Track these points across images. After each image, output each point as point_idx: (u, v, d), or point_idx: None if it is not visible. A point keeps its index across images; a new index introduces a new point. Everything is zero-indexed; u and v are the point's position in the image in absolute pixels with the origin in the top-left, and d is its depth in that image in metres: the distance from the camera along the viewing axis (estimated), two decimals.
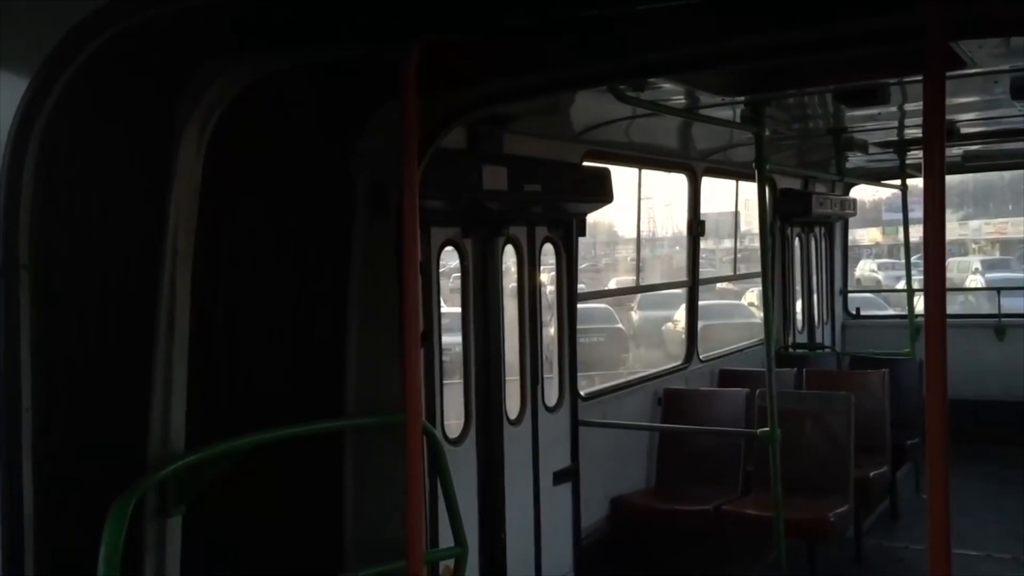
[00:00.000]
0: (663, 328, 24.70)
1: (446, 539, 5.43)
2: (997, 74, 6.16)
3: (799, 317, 12.89)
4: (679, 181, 9.94)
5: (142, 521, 3.84)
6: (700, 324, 10.97)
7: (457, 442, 6.50)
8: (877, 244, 49.75)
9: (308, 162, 4.97)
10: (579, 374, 8.02)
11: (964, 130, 9.11)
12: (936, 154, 3.00)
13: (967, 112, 8.17)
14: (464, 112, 4.88)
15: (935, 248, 2.95)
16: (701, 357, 10.37)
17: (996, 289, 16.25)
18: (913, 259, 12.44)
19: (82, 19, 3.28)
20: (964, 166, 11.84)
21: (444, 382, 6.42)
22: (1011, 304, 16.00)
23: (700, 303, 10.53)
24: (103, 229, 3.82)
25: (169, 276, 3.87)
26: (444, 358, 6.57)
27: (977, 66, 5.53)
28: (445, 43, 4.18)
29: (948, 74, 5.42)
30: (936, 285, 2.91)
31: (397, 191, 4.05)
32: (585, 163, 7.82)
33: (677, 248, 10.37)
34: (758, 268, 8.22)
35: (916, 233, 11.70)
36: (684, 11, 3.82)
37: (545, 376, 7.54)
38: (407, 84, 3.86)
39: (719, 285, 24.50)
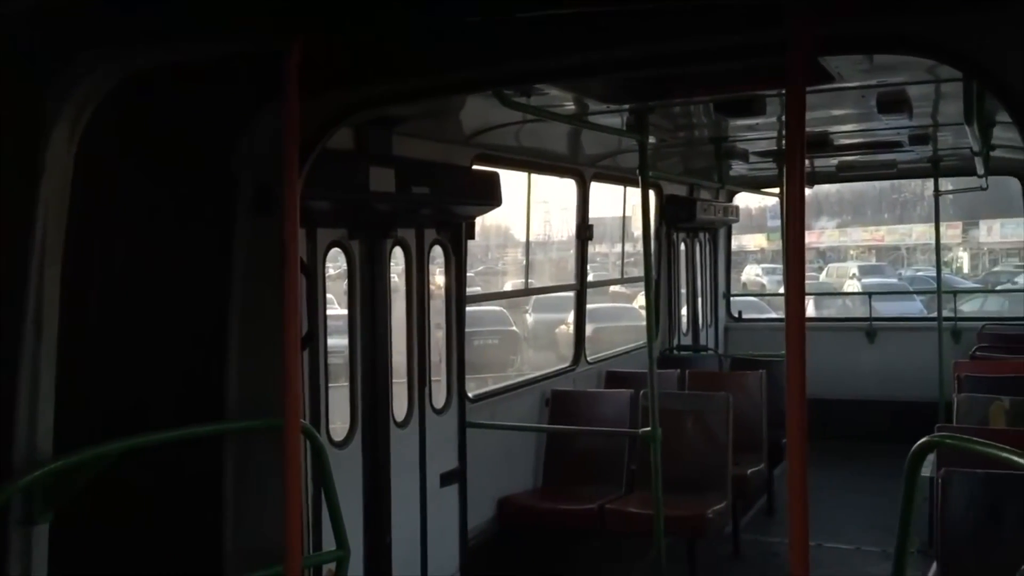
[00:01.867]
0: (556, 331, 25.00)
1: (331, 542, 5.39)
2: (865, 89, 6.42)
3: (684, 320, 13.22)
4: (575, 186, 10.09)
5: (6, 528, 3.71)
6: (591, 327, 11.12)
7: (342, 445, 6.45)
8: (763, 250, 51.37)
9: (189, 160, 4.88)
10: (471, 376, 8.02)
11: (838, 141, 9.48)
12: (796, 163, 3.12)
13: (842, 124, 8.49)
14: (349, 113, 4.86)
15: (795, 252, 3.07)
16: (588, 359, 10.53)
17: (868, 294, 16.99)
18: None
19: None
20: (838, 175, 12.32)
21: (331, 384, 6.36)
22: (883, 308, 16.71)
23: (593, 306, 10.67)
24: None
25: (37, 275, 3.74)
26: (335, 360, 6.51)
27: (845, 81, 5.77)
28: (329, 43, 4.16)
29: (816, 88, 5.69)
30: (795, 287, 3.04)
31: (281, 192, 4.01)
32: (475, 167, 7.87)
33: (571, 252, 10.52)
34: None
35: None
36: (564, 20, 3.91)
37: (433, 379, 7.54)
38: (288, 83, 3.83)
39: (612, 288, 24.92)
